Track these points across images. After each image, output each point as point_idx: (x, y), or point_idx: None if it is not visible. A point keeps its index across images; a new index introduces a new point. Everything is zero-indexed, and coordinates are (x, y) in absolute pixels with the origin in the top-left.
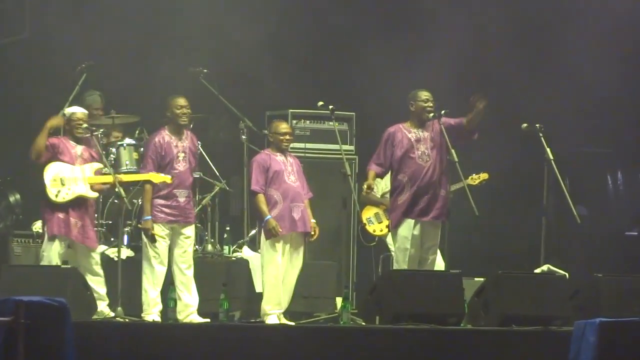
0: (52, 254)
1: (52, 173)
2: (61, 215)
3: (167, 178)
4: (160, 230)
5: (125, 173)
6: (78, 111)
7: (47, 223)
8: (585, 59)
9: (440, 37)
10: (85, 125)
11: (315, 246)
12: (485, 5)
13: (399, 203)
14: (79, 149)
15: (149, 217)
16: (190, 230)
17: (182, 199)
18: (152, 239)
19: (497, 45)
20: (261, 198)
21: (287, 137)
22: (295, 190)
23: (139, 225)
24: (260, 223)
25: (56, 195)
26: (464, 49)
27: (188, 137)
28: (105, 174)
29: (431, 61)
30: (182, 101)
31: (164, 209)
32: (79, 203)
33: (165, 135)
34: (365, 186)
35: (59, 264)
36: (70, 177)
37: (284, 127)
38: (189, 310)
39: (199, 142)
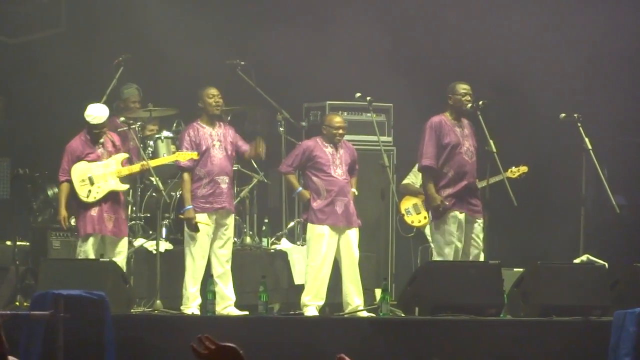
0: (89, 250)
1: (79, 174)
2: (94, 213)
3: (194, 154)
4: (204, 219)
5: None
6: (100, 121)
7: (81, 222)
8: (625, 46)
9: (479, 25)
10: (103, 130)
11: None
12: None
13: (444, 196)
14: (101, 145)
15: (190, 207)
16: (230, 220)
17: (224, 185)
18: (196, 228)
19: (537, 34)
20: (290, 177)
21: (341, 131)
22: (340, 185)
23: (180, 216)
24: (292, 195)
25: (87, 196)
26: (502, 38)
27: (222, 126)
28: (132, 162)
29: (468, 51)
30: (213, 91)
31: (209, 198)
32: (111, 197)
33: (198, 127)
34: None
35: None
36: (98, 175)
37: (337, 120)
38: (226, 302)
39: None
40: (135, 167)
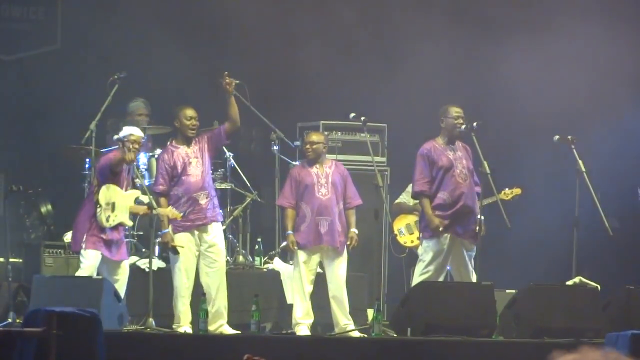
0: (93, 262)
1: (107, 197)
2: (103, 235)
3: (178, 215)
4: (186, 240)
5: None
6: (136, 133)
7: (88, 237)
8: (620, 68)
9: (473, 48)
10: (138, 147)
11: (347, 257)
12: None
13: (436, 214)
14: (126, 172)
15: (167, 230)
16: (215, 232)
17: (203, 201)
18: (175, 252)
19: (534, 56)
20: (288, 213)
21: (311, 146)
22: (323, 204)
23: (158, 240)
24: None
25: (106, 220)
26: (491, 61)
27: (198, 142)
28: (141, 203)
29: (463, 72)
30: (191, 112)
31: (189, 216)
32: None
33: (172, 149)
34: (437, 225)
35: (94, 273)
36: (119, 204)
37: (309, 137)
38: (219, 321)
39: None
40: (142, 209)
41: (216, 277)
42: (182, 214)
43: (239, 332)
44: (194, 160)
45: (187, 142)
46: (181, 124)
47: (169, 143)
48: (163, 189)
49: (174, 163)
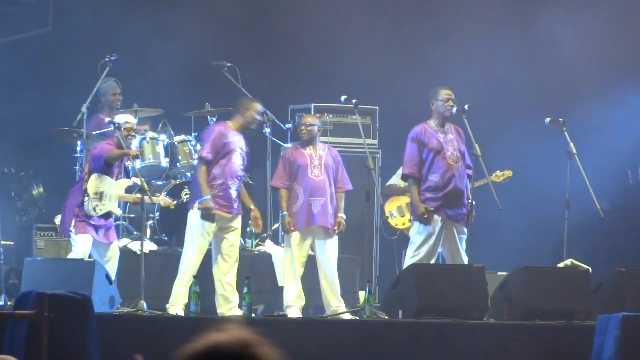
0: (86, 247)
1: (96, 186)
2: (92, 221)
3: (172, 204)
4: (209, 223)
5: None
6: (131, 120)
7: (78, 222)
8: (609, 49)
9: (465, 31)
10: (134, 134)
11: (338, 240)
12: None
13: (427, 197)
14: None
15: (209, 197)
16: (238, 223)
17: (234, 192)
18: (212, 218)
19: (524, 38)
20: (282, 193)
21: (303, 128)
22: (316, 185)
23: (199, 206)
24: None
25: (94, 209)
26: (485, 43)
27: (244, 137)
28: (130, 192)
29: (455, 55)
30: (262, 108)
31: (218, 200)
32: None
33: (228, 128)
34: (423, 212)
35: (87, 257)
36: (108, 193)
37: (305, 119)
38: (231, 305)
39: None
40: (133, 198)
41: (234, 261)
42: (175, 203)
43: (249, 315)
44: (239, 150)
45: (240, 132)
46: (251, 117)
47: (225, 122)
48: (210, 158)
49: (227, 143)
